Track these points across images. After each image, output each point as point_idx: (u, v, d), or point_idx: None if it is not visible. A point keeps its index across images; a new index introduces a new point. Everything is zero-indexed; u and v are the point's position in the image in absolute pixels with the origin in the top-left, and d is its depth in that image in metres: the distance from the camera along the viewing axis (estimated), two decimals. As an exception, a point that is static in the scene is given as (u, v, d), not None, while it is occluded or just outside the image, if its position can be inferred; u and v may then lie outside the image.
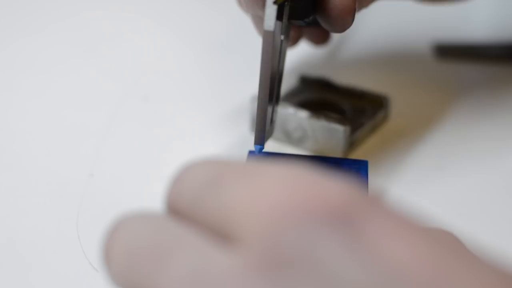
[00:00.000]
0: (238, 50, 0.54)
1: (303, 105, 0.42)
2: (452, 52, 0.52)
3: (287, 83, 0.46)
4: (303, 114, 0.40)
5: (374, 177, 0.37)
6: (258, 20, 0.37)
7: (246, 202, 0.18)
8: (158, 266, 0.17)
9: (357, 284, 0.16)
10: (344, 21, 0.33)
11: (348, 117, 0.41)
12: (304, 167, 0.18)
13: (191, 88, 0.48)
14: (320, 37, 0.42)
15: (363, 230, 0.16)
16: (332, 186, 0.17)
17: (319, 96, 0.44)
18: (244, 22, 0.54)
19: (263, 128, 0.33)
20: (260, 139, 0.33)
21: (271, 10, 0.31)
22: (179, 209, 0.20)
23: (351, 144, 0.40)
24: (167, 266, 0.17)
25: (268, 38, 0.31)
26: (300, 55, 0.53)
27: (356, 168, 0.35)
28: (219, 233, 0.18)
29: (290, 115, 0.40)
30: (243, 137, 0.42)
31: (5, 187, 0.37)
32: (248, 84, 0.47)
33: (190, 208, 0.19)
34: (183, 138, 0.42)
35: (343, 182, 0.17)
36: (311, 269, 0.16)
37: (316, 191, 0.17)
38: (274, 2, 0.31)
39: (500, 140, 0.43)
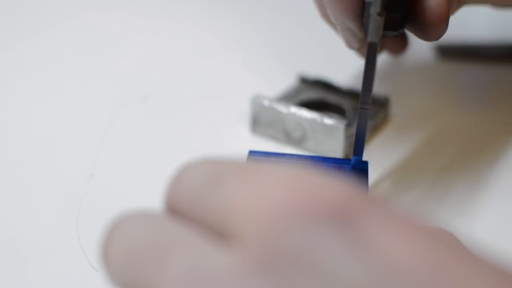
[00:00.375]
0: (238, 50, 0.54)
1: (303, 105, 0.42)
2: (453, 53, 0.52)
3: (287, 83, 0.46)
4: (303, 114, 0.40)
5: (374, 177, 0.37)
6: (348, 33, 0.37)
7: (244, 201, 0.18)
8: (157, 265, 0.17)
9: (356, 282, 0.16)
10: (440, 29, 0.34)
11: (348, 117, 0.41)
12: (303, 167, 0.18)
13: (190, 88, 0.48)
14: (400, 46, 0.43)
15: (361, 229, 0.16)
16: (330, 186, 0.17)
17: (319, 96, 0.44)
18: (243, 21, 0.54)
19: (363, 139, 0.34)
20: (360, 151, 0.34)
21: (377, 22, 0.32)
22: (178, 209, 0.19)
23: (351, 144, 0.40)
24: (165, 265, 0.17)
25: (373, 50, 0.32)
26: (300, 55, 0.53)
27: (356, 168, 0.35)
28: (218, 232, 0.18)
29: (290, 115, 0.40)
30: (243, 137, 0.42)
31: (6, 187, 0.37)
32: (248, 84, 0.47)
33: (188, 207, 0.19)
34: (182, 138, 0.42)
35: (342, 181, 0.17)
36: (310, 268, 0.16)
37: (314, 190, 0.17)
38: (379, 14, 0.32)
39: (500, 140, 0.43)
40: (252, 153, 0.36)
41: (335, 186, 0.17)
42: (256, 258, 0.16)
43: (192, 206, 0.19)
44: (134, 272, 0.18)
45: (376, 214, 0.17)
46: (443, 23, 0.34)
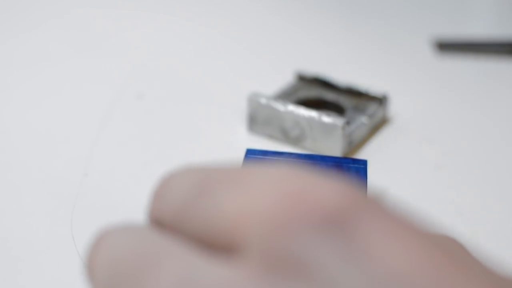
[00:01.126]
0: (234, 47, 0.54)
1: (300, 103, 0.42)
2: (452, 48, 0.52)
3: (284, 80, 0.45)
4: (300, 112, 0.39)
5: (374, 177, 0.37)
6: None
7: (237, 211, 0.17)
8: (145, 277, 0.17)
9: None
10: None
11: (347, 116, 0.41)
12: (297, 168, 0.18)
13: (186, 85, 0.48)
14: None
15: (356, 234, 0.16)
16: (326, 187, 0.17)
17: (317, 94, 0.43)
18: (240, 18, 0.53)
19: None
20: None
21: None
22: (164, 222, 0.19)
23: (350, 143, 0.39)
24: (154, 277, 0.17)
25: None
26: (297, 52, 0.53)
27: (356, 167, 0.34)
28: (209, 243, 0.17)
29: (287, 114, 0.40)
30: (240, 136, 0.41)
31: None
32: (245, 82, 0.47)
33: (176, 219, 0.18)
34: (178, 136, 0.42)
35: (338, 182, 0.17)
36: (311, 277, 0.15)
37: (309, 194, 0.16)
38: None
39: (501, 138, 0.42)
40: (249, 151, 0.35)
41: (331, 188, 0.17)
42: (257, 270, 0.16)
43: (180, 219, 0.18)
44: (121, 285, 0.17)
45: (373, 217, 0.16)
46: None
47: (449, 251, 0.17)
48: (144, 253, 0.17)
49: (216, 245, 0.17)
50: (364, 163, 0.35)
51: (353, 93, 0.43)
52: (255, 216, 0.17)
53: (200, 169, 0.19)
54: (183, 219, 0.18)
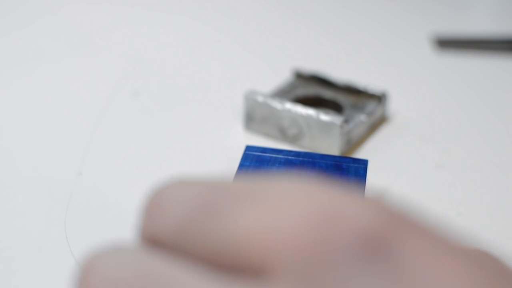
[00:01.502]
0: (231, 44, 0.53)
1: (298, 101, 0.41)
2: (452, 46, 0.51)
3: (282, 78, 0.45)
4: (298, 110, 0.39)
5: (373, 176, 0.36)
6: None
7: (259, 232, 0.15)
8: None
9: None
10: None
11: (345, 114, 0.40)
12: (312, 181, 0.16)
13: (183, 83, 0.47)
14: None
15: (400, 258, 0.15)
16: (354, 204, 0.15)
17: (315, 92, 0.43)
18: (237, 15, 0.53)
19: None
20: None
21: None
22: (161, 242, 0.16)
23: (348, 141, 0.39)
24: None
25: None
26: (295, 49, 0.52)
27: (355, 167, 0.34)
28: (221, 266, 0.15)
29: (285, 112, 0.39)
30: (237, 135, 0.41)
31: (-9, 185, 0.36)
32: (242, 80, 0.46)
33: (178, 240, 0.16)
34: (174, 135, 0.41)
35: (365, 198, 0.15)
36: None
37: (338, 212, 0.15)
38: None
39: (502, 136, 0.42)
40: (249, 148, 0.35)
41: (359, 204, 0.15)
42: None
43: (184, 239, 0.16)
44: None
45: (411, 236, 0.15)
46: None
47: (486, 267, 0.16)
48: (148, 283, 0.15)
49: (231, 268, 0.15)
50: (364, 162, 0.34)
51: (351, 91, 0.42)
52: (283, 238, 0.15)
53: (197, 182, 0.17)
54: (186, 239, 0.16)
